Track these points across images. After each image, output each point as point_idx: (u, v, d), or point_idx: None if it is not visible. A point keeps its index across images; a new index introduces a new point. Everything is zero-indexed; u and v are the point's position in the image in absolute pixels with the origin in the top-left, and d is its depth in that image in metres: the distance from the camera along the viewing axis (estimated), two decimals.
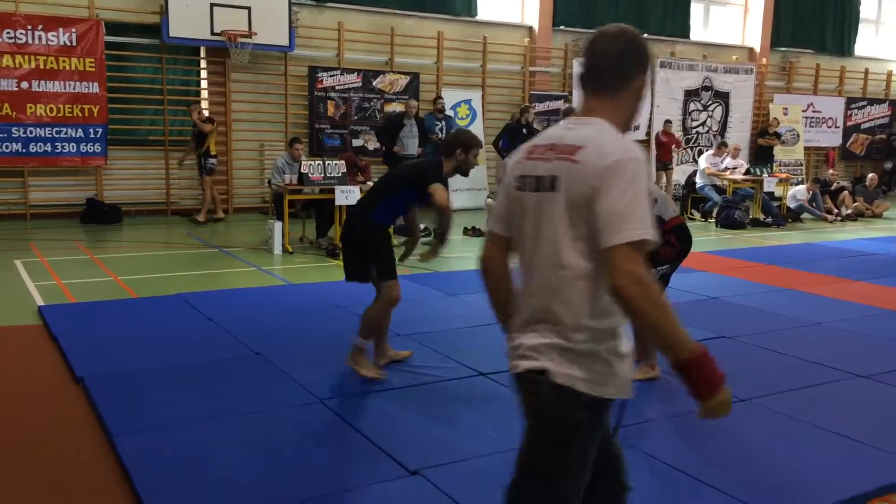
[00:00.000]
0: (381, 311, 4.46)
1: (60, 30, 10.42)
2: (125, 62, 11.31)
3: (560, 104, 13.87)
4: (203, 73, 11.84)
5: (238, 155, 11.98)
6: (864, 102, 17.95)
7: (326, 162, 8.71)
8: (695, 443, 3.66)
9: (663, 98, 15.16)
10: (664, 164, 14.06)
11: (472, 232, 10.19)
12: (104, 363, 4.58)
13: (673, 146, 13.97)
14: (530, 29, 14.08)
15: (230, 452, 3.44)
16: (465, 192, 12.96)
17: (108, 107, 10.87)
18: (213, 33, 10.99)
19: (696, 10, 15.86)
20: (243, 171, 12.11)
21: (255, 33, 11.11)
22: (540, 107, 13.74)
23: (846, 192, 13.36)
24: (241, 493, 3.09)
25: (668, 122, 14.73)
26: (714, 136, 15.59)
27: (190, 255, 8.63)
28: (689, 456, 3.47)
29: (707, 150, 13.95)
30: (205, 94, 11.85)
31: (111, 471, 3.27)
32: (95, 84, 10.70)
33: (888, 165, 17.78)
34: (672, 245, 4.29)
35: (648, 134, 15.11)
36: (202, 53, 11.69)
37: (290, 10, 11.43)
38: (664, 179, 14.01)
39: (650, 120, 15.07)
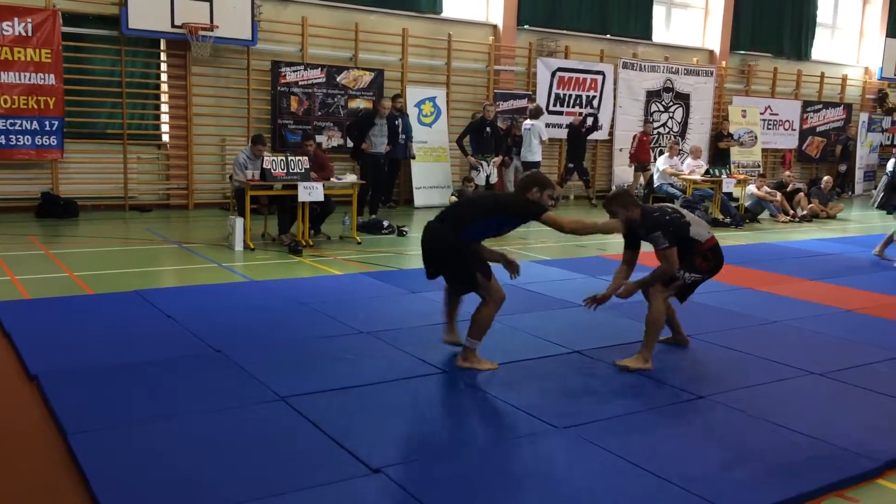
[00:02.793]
0: (494, 311, 4.64)
1: (16, 19, 10.16)
2: (83, 53, 11.08)
3: (524, 103, 13.94)
4: (163, 67, 11.65)
5: (199, 150, 11.82)
6: (820, 106, 18.36)
7: (289, 158, 8.63)
8: (653, 439, 3.71)
9: (625, 99, 15.34)
10: (642, 165, 14.26)
11: None
12: (59, 361, 4.48)
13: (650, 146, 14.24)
14: (495, 27, 14.12)
15: (189, 451, 3.39)
16: (430, 190, 12.97)
17: (64, 99, 10.64)
18: (173, 26, 10.82)
19: (657, 13, 16.06)
20: (204, 165, 11.95)
21: (217, 26, 10.97)
22: (504, 105, 13.79)
23: (802, 194, 13.64)
24: (200, 492, 3.05)
25: (647, 122, 14.95)
26: (675, 137, 15.81)
27: (148, 250, 8.49)
28: (648, 452, 3.52)
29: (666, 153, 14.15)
30: (165, 87, 11.67)
31: (66, 471, 3.20)
32: (51, 75, 10.46)
33: (842, 168, 18.21)
34: (708, 260, 4.85)
35: (611, 134, 15.28)
36: (162, 46, 11.51)
37: (252, 4, 11.31)
38: (641, 180, 14.20)
39: (612, 120, 15.23)
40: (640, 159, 14.26)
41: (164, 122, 11.80)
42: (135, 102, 11.50)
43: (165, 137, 11.81)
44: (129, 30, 10.69)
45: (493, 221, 4.65)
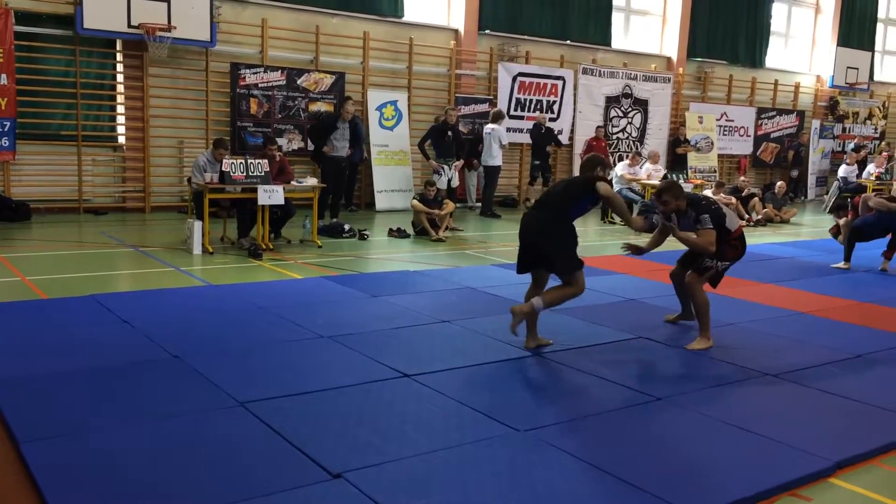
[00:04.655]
0: (571, 296, 5.08)
1: None
2: (36, 53, 10.84)
3: (486, 107, 14.00)
4: (119, 67, 11.45)
5: (156, 152, 11.64)
6: (774, 112, 18.77)
7: (249, 161, 8.55)
8: (612, 441, 3.75)
9: (585, 104, 15.50)
10: None
11: (396, 233, 10.17)
12: (11, 367, 4.37)
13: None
14: (456, 32, 14.17)
15: (145, 458, 3.34)
16: (391, 194, 12.95)
17: (17, 99, 10.40)
18: (130, 26, 10.65)
19: (616, 19, 16.27)
20: (161, 168, 11.77)
21: (175, 27, 10.82)
22: (465, 109, 13.84)
23: (756, 199, 13.92)
24: (157, 500, 3.00)
25: (599, 127, 15.11)
26: (634, 142, 16.02)
27: (103, 254, 8.33)
28: (608, 454, 3.55)
29: (627, 157, 14.33)
30: (121, 88, 11.48)
31: (18, 479, 3.13)
32: (3, 76, 10.21)
33: (795, 174, 18.63)
34: (736, 248, 5.45)
35: (571, 139, 15.42)
36: (118, 46, 11.32)
37: (211, 5, 11.19)
38: None
39: (573, 125, 15.38)
40: None
41: (121, 124, 11.60)
42: (90, 104, 11.28)
43: (121, 139, 11.61)
44: (84, 30, 10.50)
45: (585, 200, 5.09)
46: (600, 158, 5.49)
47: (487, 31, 14.40)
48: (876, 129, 20.76)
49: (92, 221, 10.58)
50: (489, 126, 12.84)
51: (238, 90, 11.87)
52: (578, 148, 15.49)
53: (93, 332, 5.15)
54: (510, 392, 4.39)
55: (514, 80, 14.49)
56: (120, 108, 11.55)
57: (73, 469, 3.20)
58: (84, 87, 11.07)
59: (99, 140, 11.48)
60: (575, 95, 15.34)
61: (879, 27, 20.97)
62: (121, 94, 11.47)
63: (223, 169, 8.37)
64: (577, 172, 15.34)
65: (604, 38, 15.95)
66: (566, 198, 5.10)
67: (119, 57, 11.40)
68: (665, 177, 13.09)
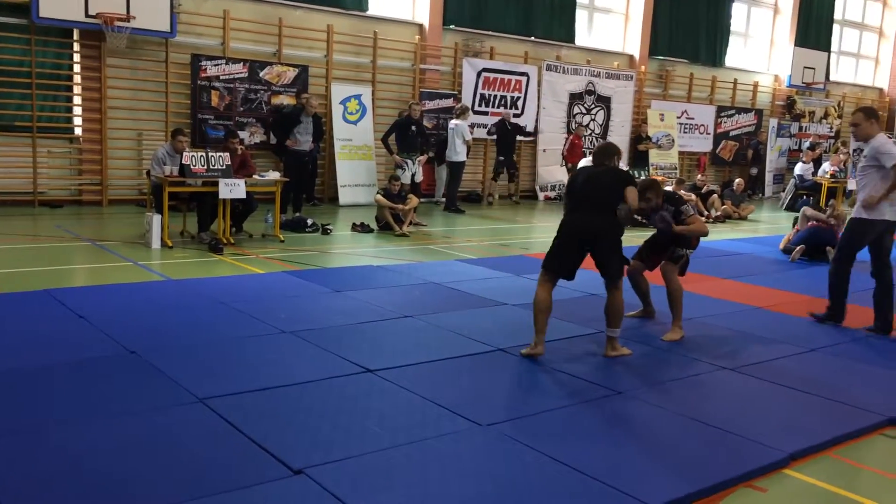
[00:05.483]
0: (622, 294, 5.07)
1: None
2: None
3: (450, 102, 13.99)
4: (76, 58, 11.20)
5: (114, 144, 11.42)
6: (733, 111, 19.07)
7: (210, 154, 8.43)
8: (573, 435, 3.78)
9: (549, 100, 15.58)
10: (574, 167, 14.45)
11: (360, 228, 10.13)
12: None
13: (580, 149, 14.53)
14: (421, 27, 14.13)
15: (102, 457, 3.27)
16: (355, 188, 12.88)
17: None
18: (87, 15, 10.42)
19: (580, 17, 16.36)
20: (119, 160, 11.55)
21: (134, 17, 10.62)
22: (430, 104, 13.82)
23: (716, 196, 14.14)
24: (114, 498, 2.94)
25: (579, 125, 15.23)
26: (597, 138, 16.15)
27: (59, 248, 8.16)
28: (568, 447, 3.58)
29: (589, 154, 14.44)
30: (78, 79, 11.23)
31: None
32: None
33: (753, 171, 18.96)
34: (698, 238, 5.86)
35: (536, 135, 15.48)
36: (75, 36, 11.07)
37: None
38: None
39: (536, 121, 15.45)
40: (573, 161, 14.50)
41: (77, 115, 11.35)
42: (46, 94, 11.02)
43: (78, 131, 11.37)
44: (39, 18, 10.24)
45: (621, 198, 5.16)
46: (616, 147, 5.55)
47: (452, 27, 14.39)
48: (831, 128, 21.22)
49: (47, 215, 10.35)
50: (453, 122, 12.85)
51: (199, 82, 11.69)
52: (542, 144, 15.58)
53: (47, 328, 5.04)
54: (473, 387, 4.40)
55: (478, 75, 14.51)
56: (77, 99, 11.30)
57: (28, 468, 3.13)
58: (39, 78, 10.81)
59: (55, 131, 11.22)
60: (539, 92, 15.41)
61: (836, 28, 21.42)
62: (78, 84, 11.22)
63: (183, 162, 8.24)
64: (541, 168, 15.56)
65: (568, 35, 16.03)
66: (616, 197, 5.07)
67: (76, 47, 11.15)
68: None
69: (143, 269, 7.20)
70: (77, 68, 11.23)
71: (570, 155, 14.71)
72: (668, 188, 13.46)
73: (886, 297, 6.06)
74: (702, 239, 6.00)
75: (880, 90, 23.33)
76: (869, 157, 5.87)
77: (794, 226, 10.35)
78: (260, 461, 3.30)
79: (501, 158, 14.07)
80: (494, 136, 14.31)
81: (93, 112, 11.21)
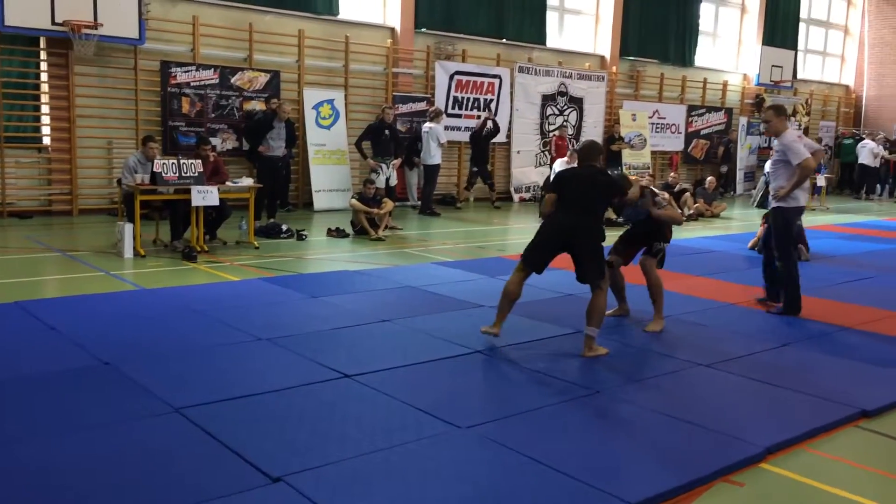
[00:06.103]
0: (605, 300, 5.16)
1: None
2: None
3: (423, 106, 13.99)
4: (44, 66, 11.05)
5: (83, 153, 11.28)
6: (703, 110, 19.28)
7: (182, 161, 8.35)
8: (552, 435, 3.79)
9: (522, 102, 15.63)
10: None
11: (335, 232, 10.09)
12: None
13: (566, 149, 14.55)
14: (392, 30, 14.12)
15: (77, 469, 3.23)
16: (330, 193, 12.83)
17: None
18: (54, 23, 10.28)
19: (551, 18, 16.45)
20: (89, 170, 11.41)
21: (102, 24, 10.50)
22: (403, 108, 13.81)
23: (688, 194, 14.27)
24: None
25: (563, 126, 15.28)
26: (570, 139, 16.21)
27: (29, 259, 8.03)
28: (548, 448, 3.59)
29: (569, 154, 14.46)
30: (45, 87, 11.08)
31: None
32: None
33: (724, 169, 19.16)
34: (671, 230, 6.08)
35: (509, 137, 15.52)
36: (42, 44, 10.92)
37: (139, 2, 10.88)
38: None
39: (510, 123, 15.49)
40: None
41: (45, 125, 11.20)
42: (12, 103, 10.86)
43: (47, 140, 11.21)
44: (5, 27, 10.09)
45: (609, 203, 5.45)
46: (600, 145, 5.64)
47: (424, 30, 14.39)
48: (799, 125, 21.49)
49: (16, 225, 10.19)
50: (427, 125, 12.85)
51: (169, 89, 11.58)
52: (516, 146, 15.63)
53: (18, 340, 4.96)
54: (451, 390, 4.40)
55: (451, 78, 14.52)
56: (45, 108, 11.15)
57: (0, 483, 3.08)
58: (6, 87, 10.65)
59: (22, 141, 11.05)
60: (512, 94, 15.46)
61: (802, 27, 21.76)
62: (45, 93, 11.07)
63: (155, 170, 8.16)
64: (515, 170, 15.60)
65: (539, 36, 16.11)
66: (604, 202, 5.32)
67: (43, 55, 11.00)
68: None
69: (116, 279, 7.11)
70: (45, 77, 11.08)
71: (559, 155, 14.71)
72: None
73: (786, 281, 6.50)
74: (674, 237, 6.13)
75: (846, 87, 23.73)
76: (780, 152, 6.29)
77: (762, 223, 10.47)
78: (237, 470, 3.27)
79: (475, 169, 14.05)
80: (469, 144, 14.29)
81: (61, 121, 11.07)
